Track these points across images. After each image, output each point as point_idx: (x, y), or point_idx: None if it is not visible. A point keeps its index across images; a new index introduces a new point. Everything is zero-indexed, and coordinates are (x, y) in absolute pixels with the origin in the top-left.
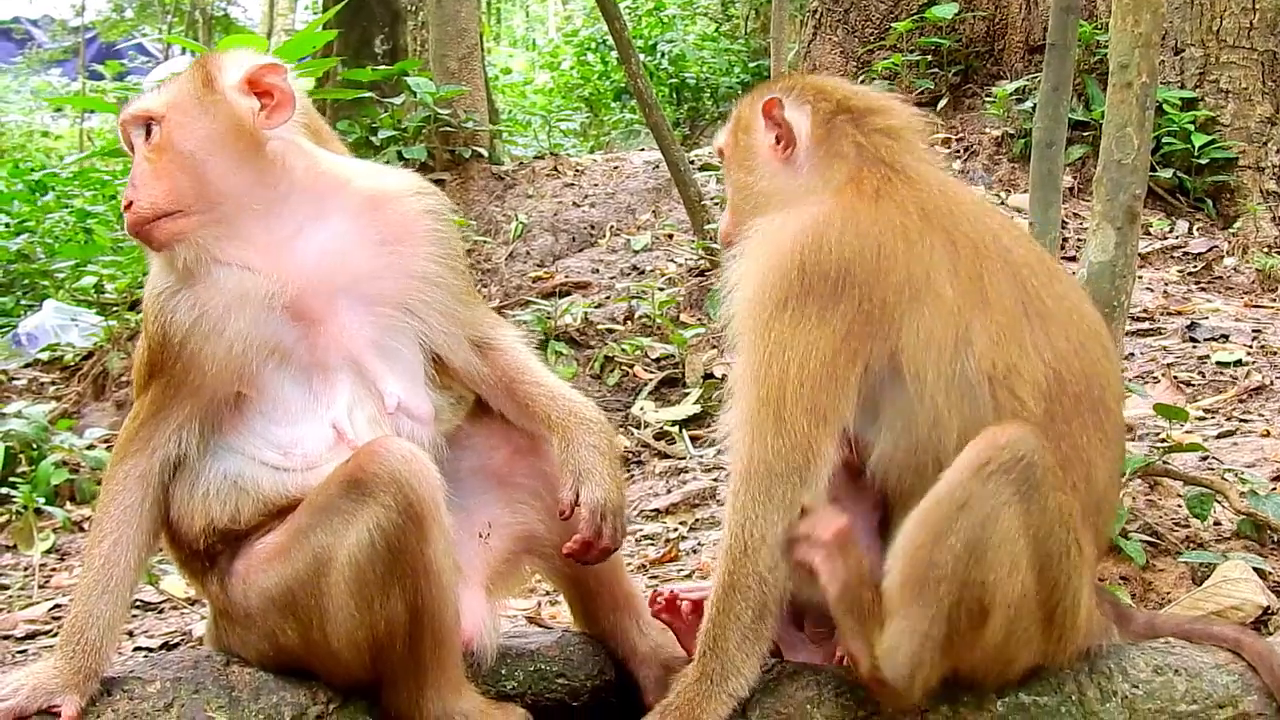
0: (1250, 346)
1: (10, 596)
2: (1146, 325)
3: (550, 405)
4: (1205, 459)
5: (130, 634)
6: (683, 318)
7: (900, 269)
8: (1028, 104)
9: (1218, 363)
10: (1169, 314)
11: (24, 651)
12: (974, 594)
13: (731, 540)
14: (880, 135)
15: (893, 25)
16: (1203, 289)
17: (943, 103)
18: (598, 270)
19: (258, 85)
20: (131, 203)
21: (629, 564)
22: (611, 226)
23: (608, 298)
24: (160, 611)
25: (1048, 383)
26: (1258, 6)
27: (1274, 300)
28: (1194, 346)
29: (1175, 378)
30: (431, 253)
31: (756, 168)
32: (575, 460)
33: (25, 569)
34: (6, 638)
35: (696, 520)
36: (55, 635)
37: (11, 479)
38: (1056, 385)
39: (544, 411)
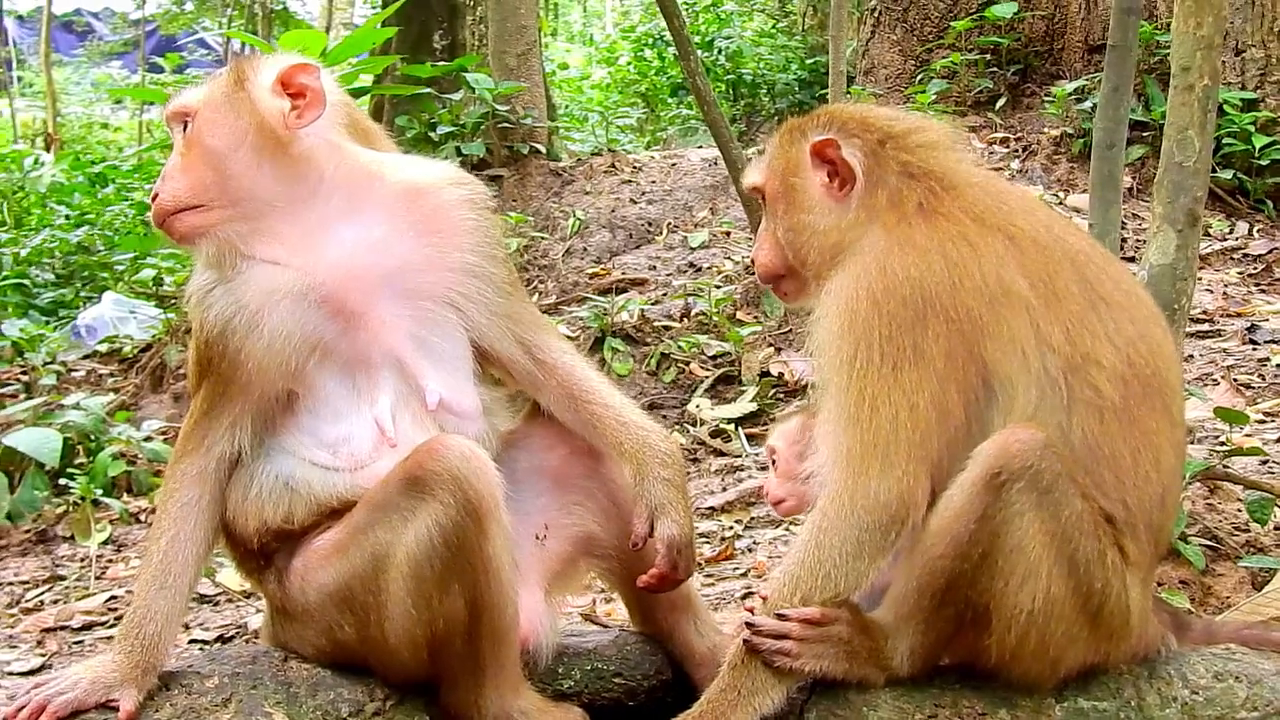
0: None
1: (68, 587)
2: (1206, 327)
3: (621, 432)
4: (1265, 463)
5: (186, 627)
6: (739, 315)
7: (974, 273)
8: (1087, 104)
9: (1278, 365)
10: (1229, 316)
11: (80, 642)
12: (982, 599)
13: (807, 574)
14: (924, 150)
15: (951, 24)
16: (1263, 290)
17: (1001, 102)
18: (655, 267)
19: (290, 85)
20: (157, 194)
21: None
22: (669, 223)
23: (664, 295)
24: (216, 604)
25: (1122, 368)
26: None
27: None
28: (1254, 349)
29: (1235, 380)
30: (471, 243)
31: (812, 207)
32: (650, 494)
33: (82, 560)
34: (64, 628)
35: (752, 519)
36: (112, 626)
37: (69, 470)
38: (1129, 370)
39: (615, 437)
